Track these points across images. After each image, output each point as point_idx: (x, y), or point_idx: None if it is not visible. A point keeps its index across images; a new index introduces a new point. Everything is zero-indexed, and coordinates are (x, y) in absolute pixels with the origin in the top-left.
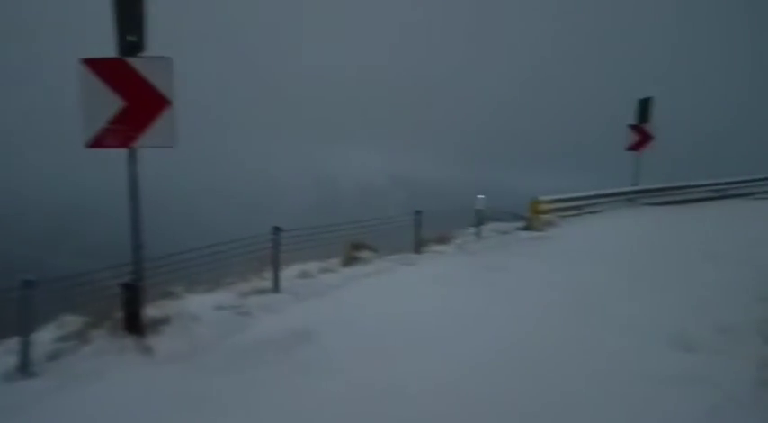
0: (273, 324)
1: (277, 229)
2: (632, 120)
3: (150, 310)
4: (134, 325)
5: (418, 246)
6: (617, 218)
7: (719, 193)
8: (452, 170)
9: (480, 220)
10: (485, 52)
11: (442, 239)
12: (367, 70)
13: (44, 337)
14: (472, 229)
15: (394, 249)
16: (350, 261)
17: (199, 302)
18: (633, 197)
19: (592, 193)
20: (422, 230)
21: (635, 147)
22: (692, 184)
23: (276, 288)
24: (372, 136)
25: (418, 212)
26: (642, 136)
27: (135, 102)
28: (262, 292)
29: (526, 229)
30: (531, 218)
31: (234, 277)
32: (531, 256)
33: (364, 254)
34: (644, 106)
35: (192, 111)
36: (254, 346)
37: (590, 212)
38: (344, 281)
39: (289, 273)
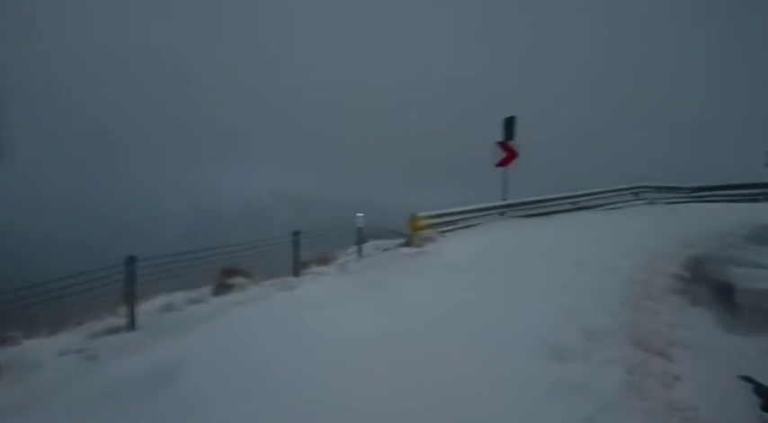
0: (126, 367)
1: (131, 259)
2: (499, 137)
3: None
4: None
5: (297, 268)
6: (489, 231)
7: (576, 205)
8: (338, 188)
9: (361, 238)
10: (366, 72)
11: (324, 260)
12: (250, 89)
13: None
14: (354, 248)
15: (272, 273)
16: (221, 289)
17: (39, 348)
18: (503, 211)
19: (465, 208)
20: (302, 252)
21: (502, 163)
22: (553, 197)
23: (132, 325)
24: (255, 155)
25: (296, 233)
26: (508, 152)
27: None
28: (115, 330)
29: (406, 245)
30: (411, 234)
31: (83, 316)
32: (410, 273)
33: (238, 280)
34: (509, 124)
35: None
36: (100, 395)
37: (465, 226)
38: (214, 312)
39: (150, 307)
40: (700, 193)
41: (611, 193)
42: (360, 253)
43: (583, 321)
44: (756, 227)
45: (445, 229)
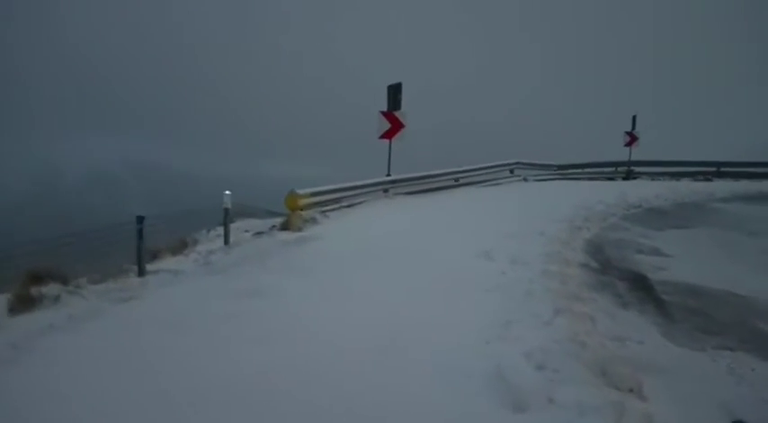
0: None
1: None
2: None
3: None
4: None
5: (142, 266)
6: (376, 211)
7: (458, 182)
8: (202, 161)
9: (228, 221)
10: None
11: (179, 247)
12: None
13: None
14: (218, 231)
15: (107, 273)
16: (24, 305)
17: None
18: (387, 188)
19: (349, 184)
20: (153, 237)
21: (386, 135)
22: (436, 173)
23: None
24: (104, 120)
25: (140, 220)
26: (393, 123)
27: None
28: None
29: (284, 228)
30: (290, 215)
31: None
32: (293, 270)
33: (50, 289)
34: (395, 92)
35: None
36: None
37: (349, 205)
38: (7, 345)
39: None
40: (566, 170)
41: (489, 170)
42: (227, 240)
43: (522, 340)
44: (628, 205)
45: (328, 208)
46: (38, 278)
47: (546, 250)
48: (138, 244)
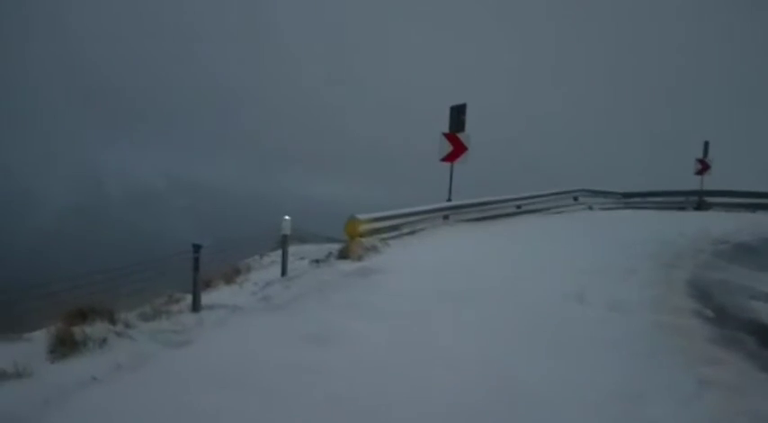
0: None
1: None
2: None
3: None
4: None
5: (198, 301)
6: (439, 240)
7: (520, 209)
8: (246, 178)
9: (286, 249)
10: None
11: (233, 276)
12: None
13: None
14: (271, 257)
15: (156, 309)
16: (69, 347)
17: None
18: (448, 214)
19: (410, 210)
20: (204, 266)
21: (449, 158)
22: (497, 199)
23: None
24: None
25: (197, 248)
26: (456, 146)
27: None
28: None
29: (343, 256)
30: (350, 242)
31: None
32: (360, 308)
33: (99, 328)
34: (458, 113)
35: None
36: None
37: (410, 233)
38: (39, 400)
39: None
40: (631, 198)
41: (552, 197)
42: (284, 270)
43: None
44: (713, 240)
45: (388, 235)
46: (83, 315)
47: (646, 294)
48: (194, 276)
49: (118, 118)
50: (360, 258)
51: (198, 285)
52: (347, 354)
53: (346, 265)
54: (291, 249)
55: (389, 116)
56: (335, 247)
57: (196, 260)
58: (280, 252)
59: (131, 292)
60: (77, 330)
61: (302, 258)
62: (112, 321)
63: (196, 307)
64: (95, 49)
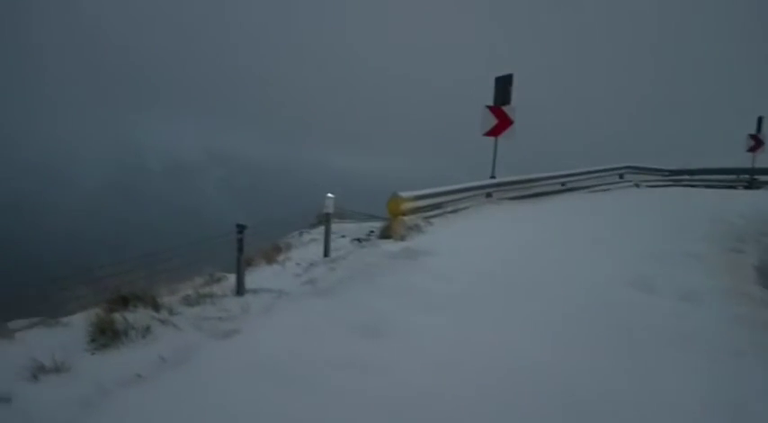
0: None
1: None
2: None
3: None
4: None
5: (241, 285)
6: (484, 219)
7: (564, 186)
8: (280, 150)
9: (329, 228)
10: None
11: (274, 255)
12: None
13: None
14: (311, 234)
15: (200, 293)
16: (110, 337)
17: None
18: (491, 191)
19: (453, 187)
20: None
21: (493, 131)
22: (542, 176)
23: None
24: (185, 108)
25: (241, 228)
26: (501, 119)
27: None
28: None
29: (385, 235)
30: (392, 221)
31: None
32: (412, 294)
33: (141, 315)
34: (504, 84)
35: None
36: None
37: (452, 211)
38: (79, 400)
39: None
40: (679, 176)
41: (597, 174)
42: (327, 251)
43: None
44: None
45: (430, 214)
46: (124, 300)
47: (716, 283)
48: (238, 258)
49: (154, 95)
50: (403, 238)
51: (242, 268)
52: (403, 348)
53: (390, 246)
54: (332, 227)
55: (429, 88)
56: (376, 225)
57: (240, 241)
58: (320, 230)
59: (171, 272)
60: (119, 318)
61: (343, 236)
62: (156, 308)
63: (240, 290)
64: (130, 29)
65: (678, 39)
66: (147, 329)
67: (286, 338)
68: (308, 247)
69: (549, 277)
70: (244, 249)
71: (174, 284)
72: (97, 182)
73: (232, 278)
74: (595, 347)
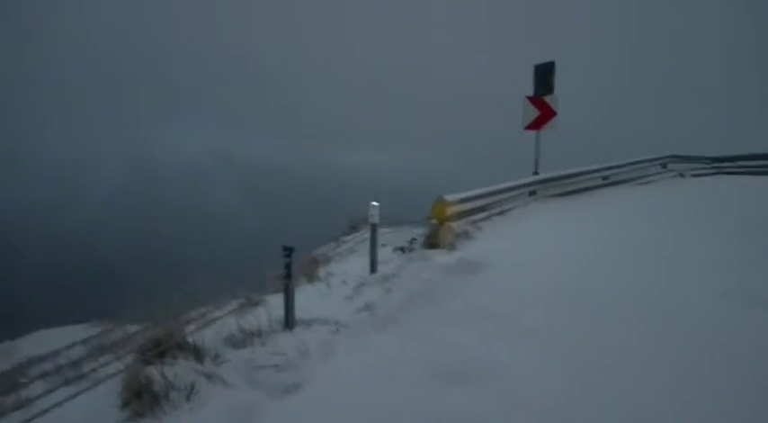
0: None
1: None
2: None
3: None
4: None
5: (291, 316)
6: (536, 219)
7: (608, 180)
8: (295, 153)
9: (375, 241)
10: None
11: (312, 270)
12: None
13: None
14: (348, 243)
15: (241, 327)
16: (144, 403)
17: None
18: (535, 189)
19: (498, 187)
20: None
21: (535, 124)
22: (583, 170)
23: None
24: (196, 113)
25: (289, 251)
26: (543, 111)
27: None
28: None
29: (431, 244)
30: (439, 227)
31: None
32: (494, 324)
33: (182, 368)
34: (545, 73)
35: None
36: None
37: (499, 213)
38: None
39: None
40: (721, 163)
41: (641, 164)
42: (374, 266)
43: None
44: None
45: (477, 217)
46: (159, 347)
47: None
48: (286, 286)
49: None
50: (453, 247)
51: (292, 298)
52: (501, 398)
53: (442, 257)
54: (365, 233)
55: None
56: (417, 231)
57: (288, 267)
58: (355, 237)
59: (200, 297)
60: (155, 373)
61: (383, 245)
62: (198, 357)
63: (289, 322)
64: (137, 35)
65: (704, 28)
66: (192, 389)
67: (360, 393)
68: (348, 259)
69: (634, 293)
70: (292, 276)
71: (207, 313)
72: (107, 187)
73: (272, 301)
74: (722, 387)
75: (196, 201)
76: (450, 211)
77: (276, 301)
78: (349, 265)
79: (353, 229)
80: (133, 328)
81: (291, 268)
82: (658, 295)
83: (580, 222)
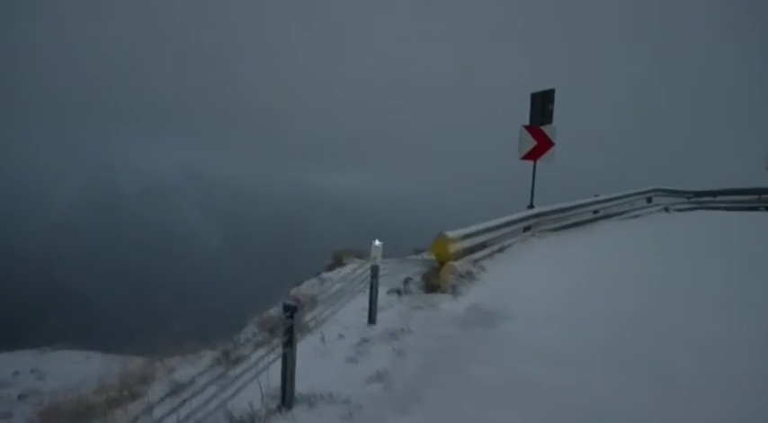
0: None
1: None
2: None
3: None
4: None
5: (291, 393)
6: (538, 257)
7: (598, 214)
8: (265, 173)
9: (376, 287)
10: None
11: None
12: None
13: None
14: (333, 281)
15: (237, 418)
16: None
17: None
18: (530, 224)
19: (496, 222)
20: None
21: (531, 155)
22: (576, 204)
23: None
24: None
25: (291, 311)
26: (540, 140)
27: None
28: None
29: (430, 285)
30: (441, 268)
31: None
32: (532, 398)
33: None
34: (543, 101)
35: None
36: None
37: (499, 250)
38: None
39: None
40: (701, 197)
41: (627, 198)
42: (372, 316)
43: None
44: None
45: (479, 255)
46: None
47: None
48: (286, 357)
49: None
50: (455, 289)
51: (292, 368)
52: None
53: (448, 304)
54: (349, 268)
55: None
56: (409, 267)
57: (289, 331)
58: (339, 273)
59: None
60: None
61: (385, 291)
62: None
63: (287, 400)
64: (110, 51)
65: (692, 58)
66: None
67: None
68: (338, 302)
69: (681, 348)
70: (295, 342)
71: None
72: (70, 203)
73: (257, 359)
74: None
75: (161, 217)
76: (453, 248)
77: (259, 359)
78: (341, 310)
79: (337, 263)
80: None
81: (294, 332)
82: (709, 346)
83: (586, 261)
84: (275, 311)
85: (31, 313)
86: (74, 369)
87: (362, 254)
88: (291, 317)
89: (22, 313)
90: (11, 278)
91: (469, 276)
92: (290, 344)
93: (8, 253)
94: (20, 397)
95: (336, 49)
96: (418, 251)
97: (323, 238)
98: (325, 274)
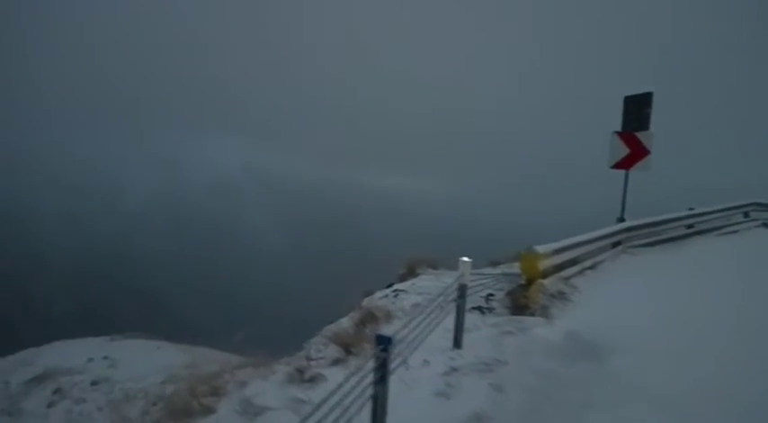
0: None
1: None
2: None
3: None
4: None
5: None
6: (636, 276)
7: (693, 228)
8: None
9: (463, 309)
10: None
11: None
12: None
13: None
14: (409, 294)
15: None
16: None
17: None
18: (621, 239)
19: (588, 236)
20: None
21: (624, 163)
22: (669, 217)
23: None
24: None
25: (385, 344)
26: (634, 148)
27: None
28: None
29: (517, 305)
30: (531, 287)
31: None
32: None
33: None
34: (637, 106)
35: None
36: None
37: (591, 267)
38: None
39: None
40: None
41: (723, 213)
42: (459, 340)
43: None
44: None
45: (568, 273)
46: None
47: None
48: (376, 396)
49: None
50: (547, 313)
51: (383, 409)
52: None
53: (542, 329)
54: (425, 281)
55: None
56: (488, 282)
57: (383, 365)
58: (412, 285)
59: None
60: None
61: (473, 319)
62: None
63: None
64: (169, 50)
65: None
66: None
67: None
68: (415, 318)
69: None
70: (388, 376)
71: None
72: (141, 197)
73: (332, 378)
74: None
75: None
76: (542, 264)
77: (339, 378)
78: (419, 327)
79: (410, 273)
80: None
81: (388, 367)
82: None
83: (694, 282)
84: (347, 323)
85: (104, 302)
86: (145, 358)
87: (437, 263)
88: (386, 350)
89: (95, 302)
90: (85, 268)
91: (561, 296)
92: (382, 381)
93: (85, 242)
94: (92, 383)
95: (385, 54)
96: (495, 264)
97: (382, 239)
98: (399, 285)
